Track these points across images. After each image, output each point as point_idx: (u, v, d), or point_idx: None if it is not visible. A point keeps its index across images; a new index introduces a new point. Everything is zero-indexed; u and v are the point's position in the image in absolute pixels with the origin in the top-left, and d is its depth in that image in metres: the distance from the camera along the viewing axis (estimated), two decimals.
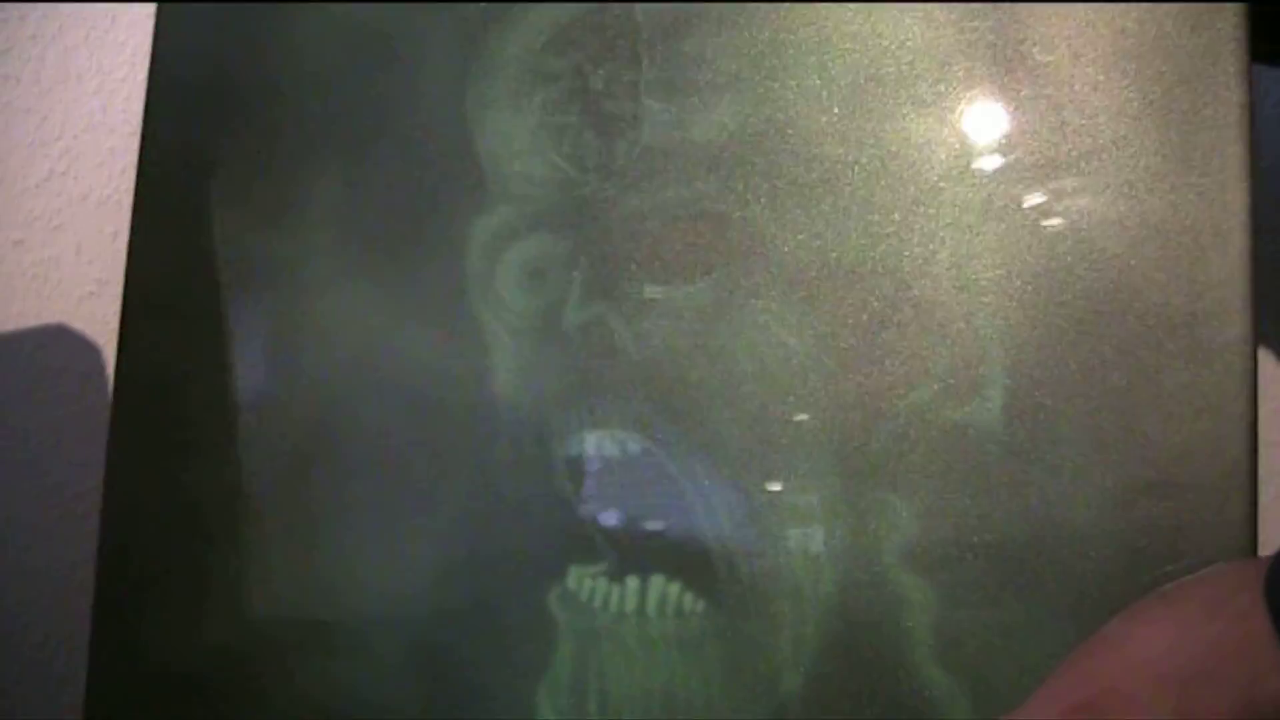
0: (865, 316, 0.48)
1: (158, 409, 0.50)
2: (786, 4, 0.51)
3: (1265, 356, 0.89)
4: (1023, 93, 0.48)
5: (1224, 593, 0.40)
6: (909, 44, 0.49)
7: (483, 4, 0.51)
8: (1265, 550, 0.44)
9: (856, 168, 0.49)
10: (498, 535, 0.48)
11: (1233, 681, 0.39)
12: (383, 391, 0.49)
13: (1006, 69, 0.48)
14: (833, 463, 0.48)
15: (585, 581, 0.48)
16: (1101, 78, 0.47)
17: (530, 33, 0.51)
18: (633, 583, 0.48)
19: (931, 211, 0.48)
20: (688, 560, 0.48)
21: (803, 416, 0.48)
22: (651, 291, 0.49)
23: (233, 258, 0.51)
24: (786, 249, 0.49)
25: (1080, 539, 0.46)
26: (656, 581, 0.48)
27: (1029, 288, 0.47)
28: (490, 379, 0.49)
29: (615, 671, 0.47)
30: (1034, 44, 0.48)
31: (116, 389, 0.49)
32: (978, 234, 0.48)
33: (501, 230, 0.50)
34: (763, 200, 0.50)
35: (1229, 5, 0.46)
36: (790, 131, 0.50)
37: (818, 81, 0.50)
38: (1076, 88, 0.47)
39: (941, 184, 0.48)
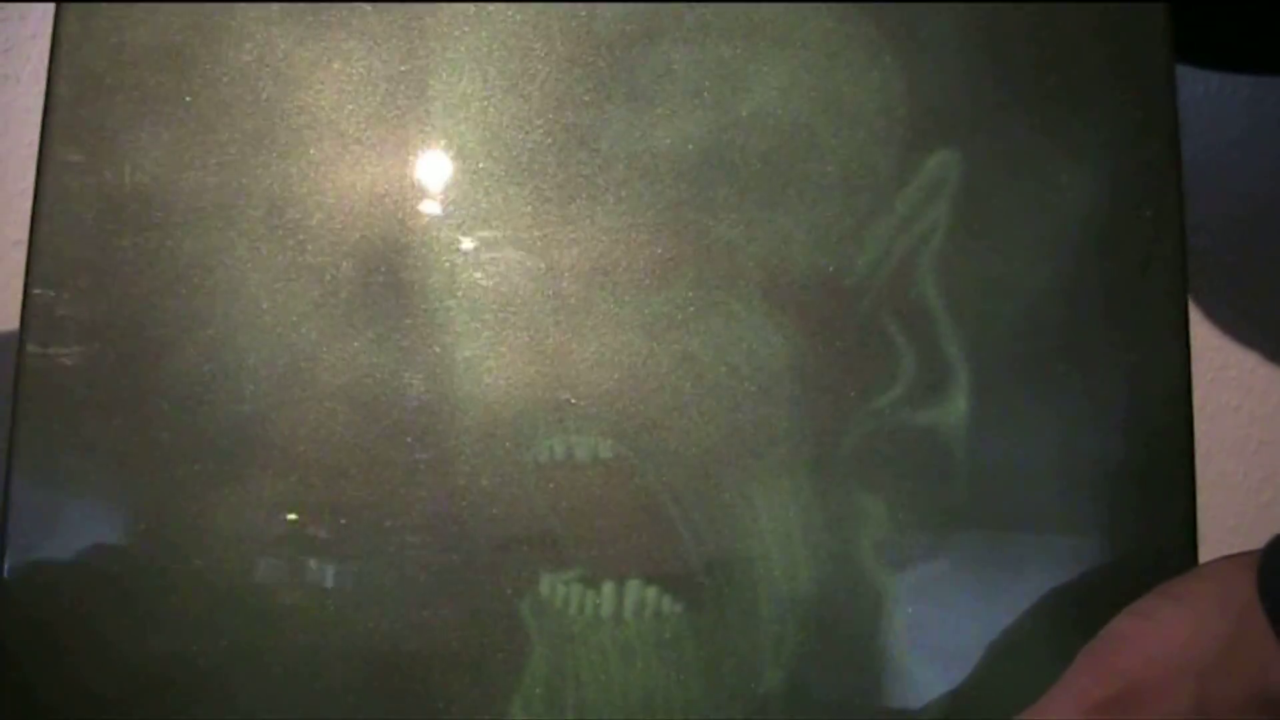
0: (833, 323, 0.49)
1: (67, 415, 0.47)
2: (751, 13, 0.51)
3: (1262, 359, 0.88)
4: (968, 107, 0.49)
5: (1228, 589, 0.42)
6: (870, 57, 0.50)
7: (435, 4, 0.50)
8: (1203, 545, 0.45)
9: (822, 179, 0.49)
10: (463, 544, 0.47)
11: (1245, 673, 0.41)
12: (325, 399, 0.48)
13: (957, 81, 0.50)
14: (805, 464, 0.48)
15: (559, 588, 0.47)
16: (1039, 92, 0.49)
17: (482, 36, 0.50)
18: (609, 587, 0.47)
19: (896, 222, 0.49)
20: (664, 563, 0.47)
21: (774, 420, 0.48)
22: (620, 295, 0.49)
23: (155, 255, 0.48)
24: (754, 258, 0.49)
25: (1042, 533, 0.47)
26: (633, 585, 0.47)
27: (990, 296, 0.48)
28: (452, 384, 0.48)
29: (592, 677, 0.47)
30: (981, 56, 0.50)
31: (16, 402, 0.47)
32: (940, 245, 0.49)
33: (458, 233, 0.49)
34: (729, 210, 0.49)
35: (1154, 6, 0.49)
36: (755, 143, 0.49)
37: (782, 95, 0.50)
38: (1019, 101, 0.49)
39: (904, 195, 0.49)
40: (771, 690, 0.47)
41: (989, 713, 0.46)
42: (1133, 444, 0.48)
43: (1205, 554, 0.47)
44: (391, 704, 0.46)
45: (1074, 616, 0.46)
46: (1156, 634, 0.43)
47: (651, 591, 0.47)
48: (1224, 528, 0.85)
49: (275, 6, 0.49)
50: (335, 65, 0.49)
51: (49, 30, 0.50)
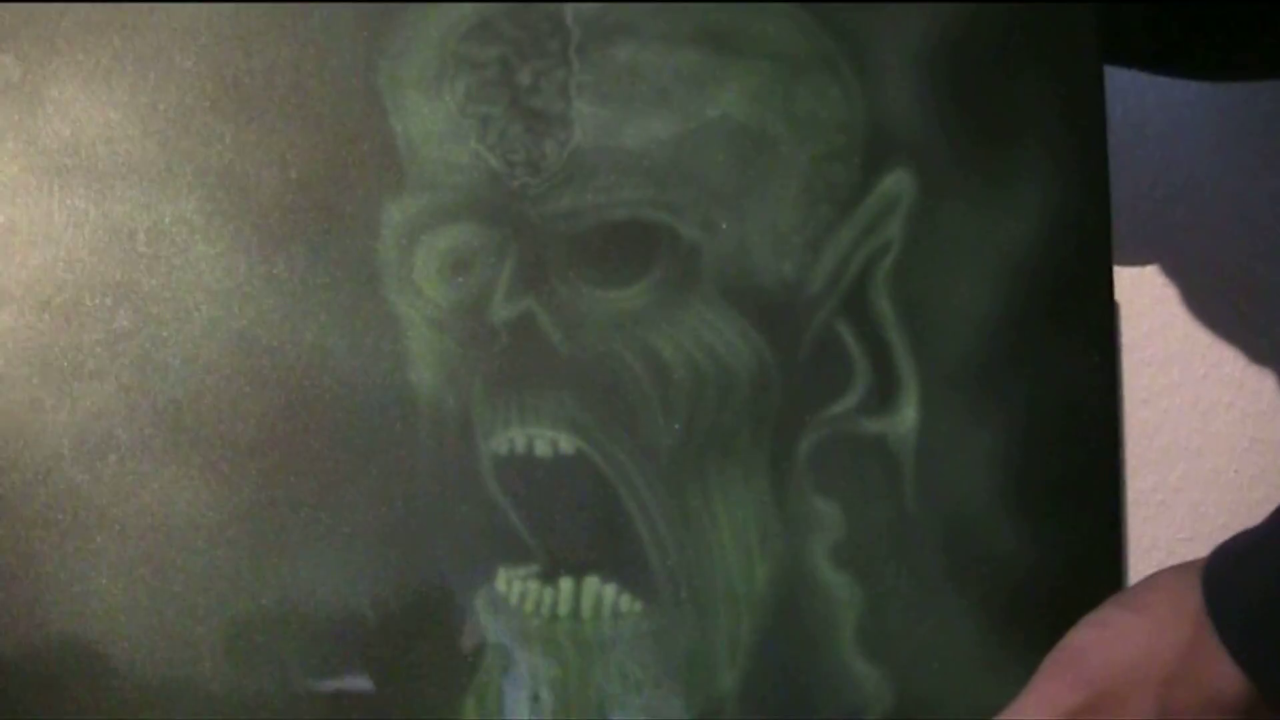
0: (792, 330, 0.49)
1: None
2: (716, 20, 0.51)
3: (1255, 357, 0.88)
4: (921, 127, 0.51)
5: (1179, 600, 0.44)
6: (829, 70, 0.51)
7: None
8: (1197, 544, 0.46)
9: (783, 189, 0.50)
10: (417, 538, 0.47)
11: (1201, 680, 0.42)
12: (272, 380, 0.47)
13: (910, 101, 0.51)
14: (763, 467, 0.48)
15: (515, 584, 0.47)
16: (985, 115, 0.51)
17: (451, 17, 0.50)
18: (566, 584, 0.47)
19: (853, 235, 0.50)
20: (622, 561, 0.47)
21: (733, 421, 0.48)
22: (583, 290, 0.48)
23: (93, 225, 0.47)
24: (717, 261, 0.49)
25: (985, 536, 0.48)
26: (591, 583, 0.47)
27: (939, 311, 0.49)
28: (407, 371, 0.47)
29: (549, 675, 0.47)
30: (931, 76, 0.51)
31: None
32: (895, 260, 0.50)
33: (419, 216, 0.48)
34: (694, 212, 0.49)
35: (1083, 7, 0.51)
36: (719, 149, 0.50)
37: (746, 102, 0.50)
38: (967, 121, 0.51)
39: (862, 209, 0.50)
40: (727, 690, 0.47)
41: (934, 712, 0.46)
42: (1065, 453, 0.49)
43: (1201, 551, 0.47)
44: (339, 700, 0.46)
45: (1015, 618, 0.47)
46: (1118, 643, 0.44)
47: (610, 589, 0.47)
48: (1216, 525, 0.85)
49: None
50: (295, 29, 0.48)
51: None
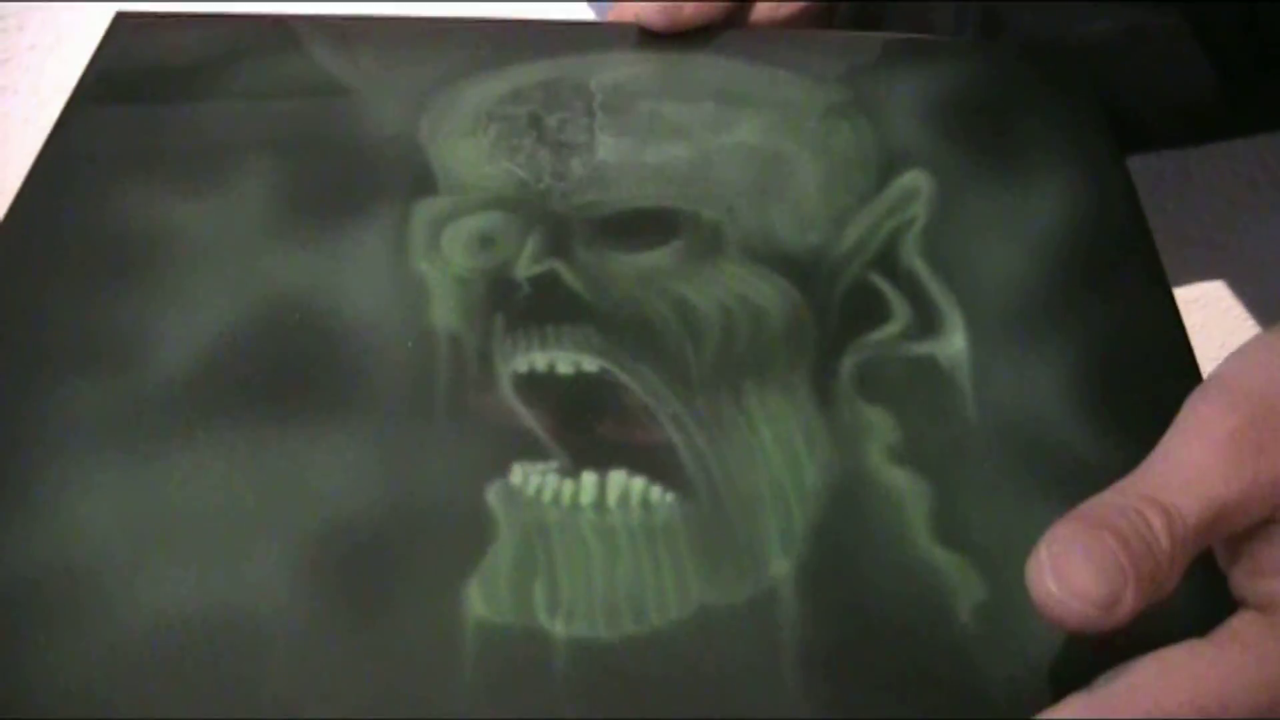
0: (823, 279, 0.49)
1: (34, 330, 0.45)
2: (728, 83, 0.56)
3: None
4: (937, 146, 0.54)
5: None
6: (839, 114, 0.56)
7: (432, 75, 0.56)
8: None
9: (802, 187, 0.52)
10: (429, 446, 0.42)
11: None
12: (294, 319, 0.46)
13: (923, 129, 0.55)
14: (803, 384, 0.45)
15: (533, 478, 0.41)
16: (997, 135, 0.55)
17: (483, 91, 0.55)
18: (589, 477, 0.41)
19: (877, 213, 0.51)
20: (652, 459, 0.42)
21: (769, 347, 0.46)
22: (608, 255, 0.48)
23: (151, 219, 0.49)
24: (742, 233, 0.50)
25: (1060, 438, 0.43)
26: (617, 476, 0.42)
27: (976, 262, 0.49)
28: (429, 313, 0.46)
29: (569, 564, 0.39)
30: (942, 112, 0.56)
31: None
32: (922, 230, 0.50)
33: (449, 209, 0.50)
34: (714, 202, 0.51)
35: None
36: (737, 163, 0.53)
37: (761, 134, 0.54)
38: (983, 139, 0.55)
39: (883, 196, 0.52)
40: (782, 574, 0.39)
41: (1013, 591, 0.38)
42: (1136, 361, 0.46)
43: None
44: (329, 588, 0.38)
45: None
46: (1273, 360, 0.36)
47: (638, 482, 0.41)
48: None
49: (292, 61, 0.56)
50: (339, 106, 0.55)
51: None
